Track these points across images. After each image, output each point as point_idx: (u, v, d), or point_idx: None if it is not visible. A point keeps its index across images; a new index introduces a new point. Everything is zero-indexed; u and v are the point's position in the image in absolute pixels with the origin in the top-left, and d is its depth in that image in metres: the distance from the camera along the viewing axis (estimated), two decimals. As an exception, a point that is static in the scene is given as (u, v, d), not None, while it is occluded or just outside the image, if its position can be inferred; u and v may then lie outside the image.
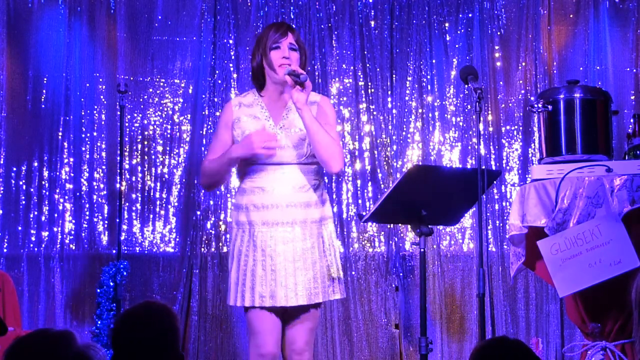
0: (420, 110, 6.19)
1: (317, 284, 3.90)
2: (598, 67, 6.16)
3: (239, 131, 3.99)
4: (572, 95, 4.39)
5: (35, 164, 5.93)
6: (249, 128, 3.98)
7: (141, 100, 6.08)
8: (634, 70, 6.16)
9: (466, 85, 4.08)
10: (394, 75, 6.21)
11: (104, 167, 6.01)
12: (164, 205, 6.05)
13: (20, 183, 5.92)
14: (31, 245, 5.89)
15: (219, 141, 4.04)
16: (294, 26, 4.13)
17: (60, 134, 5.96)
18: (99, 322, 5.58)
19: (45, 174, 5.94)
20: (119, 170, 5.78)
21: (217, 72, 6.11)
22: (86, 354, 2.17)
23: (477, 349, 2.51)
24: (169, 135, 6.09)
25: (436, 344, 5.93)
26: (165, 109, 6.10)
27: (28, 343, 2.22)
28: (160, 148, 6.08)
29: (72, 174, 5.96)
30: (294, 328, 3.94)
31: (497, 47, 6.21)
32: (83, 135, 5.99)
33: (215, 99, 6.08)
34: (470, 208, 4.24)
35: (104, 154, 6.01)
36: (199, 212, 6.02)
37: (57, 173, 5.94)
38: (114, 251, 5.81)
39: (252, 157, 3.91)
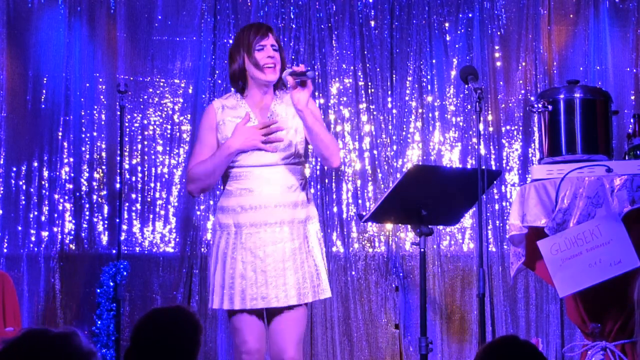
0: (420, 110, 6.19)
1: (307, 284, 3.86)
2: (598, 67, 6.15)
3: (223, 134, 3.92)
4: (572, 95, 4.38)
5: (35, 164, 5.93)
6: None
7: (141, 100, 6.08)
8: (634, 70, 6.15)
9: (466, 85, 4.08)
10: (394, 75, 6.20)
11: (104, 167, 6.01)
12: (164, 205, 6.05)
13: (20, 183, 5.92)
14: (31, 245, 5.89)
15: (205, 145, 3.95)
16: (272, 27, 4.11)
17: (60, 134, 5.96)
18: (99, 322, 5.58)
19: (45, 174, 5.94)
20: (119, 170, 5.77)
21: (217, 72, 6.11)
22: (89, 354, 2.17)
23: (489, 346, 2.48)
24: (169, 135, 6.09)
25: (436, 344, 5.93)
26: (165, 109, 6.10)
27: (28, 343, 2.21)
28: (160, 148, 6.08)
29: (72, 174, 5.96)
30: (282, 335, 3.86)
31: (497, 47, 6.21)
32: (83, 135, 5.99)
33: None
34: (470, 208, 4.24)
35: (104, 154, 6.01)
36: (199, 212, 6.02)
37: (57, 173, 5.95)
38: (114, 251, 5.81)
39: (252, 149, 3.86)
